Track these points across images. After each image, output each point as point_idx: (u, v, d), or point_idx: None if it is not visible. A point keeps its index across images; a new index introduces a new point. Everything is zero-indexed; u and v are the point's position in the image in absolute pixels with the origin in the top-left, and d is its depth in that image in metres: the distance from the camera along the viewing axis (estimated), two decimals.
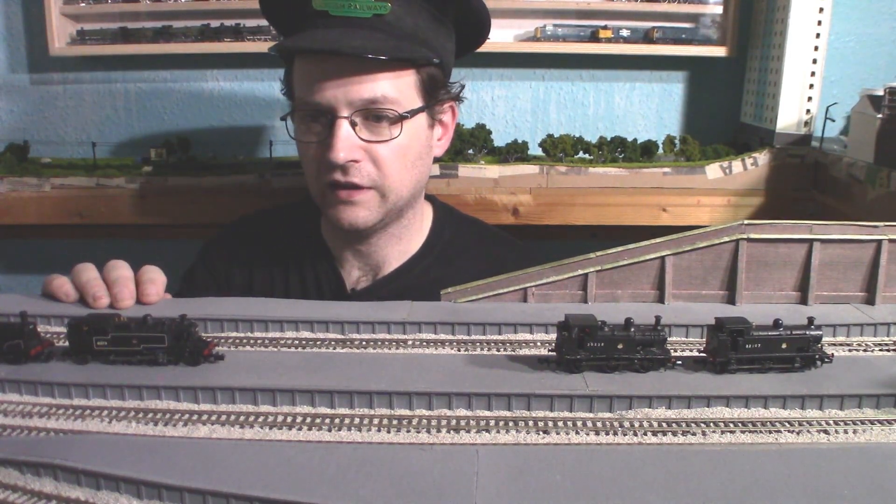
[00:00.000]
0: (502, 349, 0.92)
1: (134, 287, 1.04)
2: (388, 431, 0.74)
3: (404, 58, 1.21)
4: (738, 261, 1.04)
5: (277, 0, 1.32)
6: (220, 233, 1.55)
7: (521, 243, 1.53)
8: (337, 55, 1.18)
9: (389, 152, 1.25)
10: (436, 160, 1.43)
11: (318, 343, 0.94)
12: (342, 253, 1.41)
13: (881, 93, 1.55)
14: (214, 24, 1.89)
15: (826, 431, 0.75)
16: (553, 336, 0.87)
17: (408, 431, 0.74)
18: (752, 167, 1.79)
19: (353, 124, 1.22)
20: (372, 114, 1.22)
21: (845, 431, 0.75)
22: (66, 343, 0.86)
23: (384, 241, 1.37)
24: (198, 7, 1.89)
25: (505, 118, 2.07)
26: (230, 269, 1.45)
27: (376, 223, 1.30)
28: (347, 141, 1.21)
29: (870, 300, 1.05)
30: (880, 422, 0.76)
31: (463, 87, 1.39)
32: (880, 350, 0.93)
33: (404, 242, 1.40)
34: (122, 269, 1.06)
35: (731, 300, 1.06)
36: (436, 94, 1.31)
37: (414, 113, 1.26)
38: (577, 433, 0.74)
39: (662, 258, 1.04)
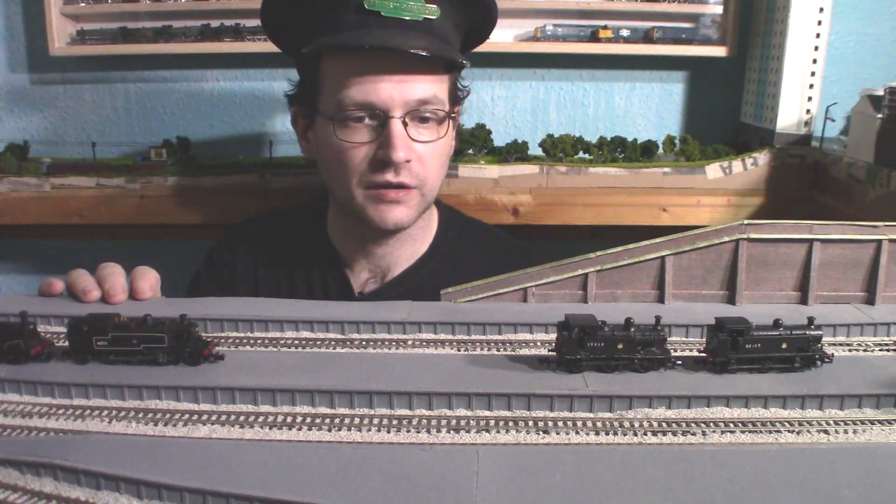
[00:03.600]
0: (502, 349, 0.92)
1: (125, 282, 1.05)
2: (388, 431, 0.74)
3: (452, 59, 1.24)
4: (738, 261, 1.04)
5: (313, 2, 1.24)
6: (224, 238, 1.54)
7: (524, 245, 1.53)
8: (397, 54, 1.18)
9: (434, 152, 1.27)
10: None
11: (318, 343, 0.94)
12: (350, 255, 1.40)
13: (881, 93, 1.55)
14: (214, 24, 1.89)
15: (826, 431, 0.75)
16: (553, 336, 0.87)
17: (408, 431, 0.74)
18: (752, 167, 1.79)
19: (405, 124, 1.22)
20: (419, 115, 1.24)
21: (845, 431, 0.75)
22: (66, 343, 0.86)
23: (401, 242, 1.38)
24: (198, 7, 1.89)
25: (505, 118, 2.07)
26: (234, 273, 1.45)
27: (413, 222, 1.32)
28: (404, 140, 1.22)
29: (870, 300, 1.05)
30: (880, 422, 0.76)
31: (469, 91, 1.42)
32: (880, 350, 0.93)
33: (413, 244, 1.40)
34: (111, 268, 1.07)
35: (731, 300, 1.06)
36: (458, 97, 1.36)
37: (452, 114, 1.31)
38: (577, 433, 0.74)
39: (662, 258, 1.04)
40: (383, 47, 1.17)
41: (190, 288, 1.48)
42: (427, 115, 1.25)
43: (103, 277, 1.05)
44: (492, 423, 0.75)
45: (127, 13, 1.91)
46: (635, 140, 1.84)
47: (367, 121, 1.23)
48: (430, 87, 1.23)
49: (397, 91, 1.20)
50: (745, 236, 1.03)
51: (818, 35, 1.73)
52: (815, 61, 1.74)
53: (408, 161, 1.23)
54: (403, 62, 1.19)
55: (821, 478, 0.65)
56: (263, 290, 1.41)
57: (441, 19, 1.23)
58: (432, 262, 1.41)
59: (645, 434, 0.74)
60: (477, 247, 1.47)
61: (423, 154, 1.25)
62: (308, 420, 0.76)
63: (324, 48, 1.22)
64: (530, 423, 0.75)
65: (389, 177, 1.23)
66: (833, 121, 1.78)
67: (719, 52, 1.89)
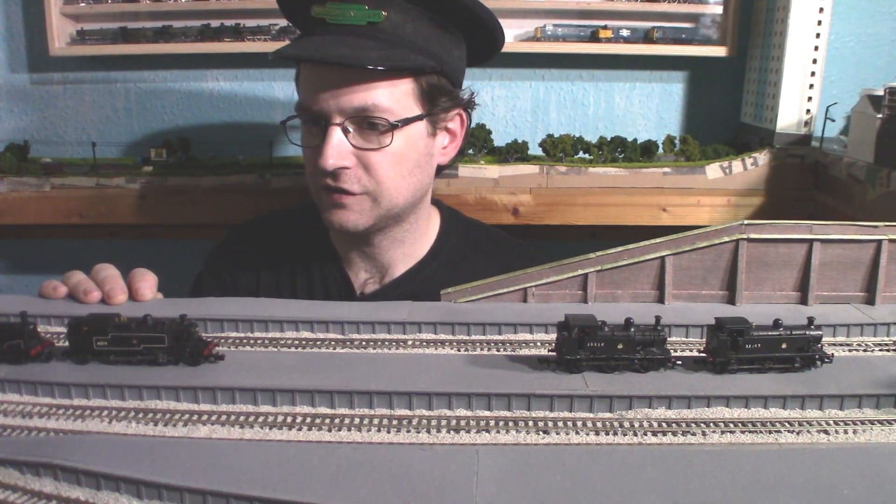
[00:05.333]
0: (502, 349, 0.92)
1: (124, 284, 1.06)
2: (388, 431, 0.74)
3: (394, 67, 1.20)
4: (738, 261, 1.04)
5: (287, 7, 1.34)
6: (225, 239, 1.54)
7: (526, 245, 1.53)
8: (322, 63, 1.20)
9: (383, 159, 1.24)
10: (442, 166, 1.42)
11: (318, 343, 0.94)
12: (349, 255, 1.41)
13: (881, 93, 1.55)
14: (214, 24, 1.89)
15: (826, 431, 0.75)
16: (553, 336, 0.87)
17: (408, 431, 0.74)
18: (752, 167, 1.79)
19: (346, 131, 1.22)
20: (365, 121, 1.22)
21: (845, 431, 0.75)
22: (66, 343, 0.86)
23: (387, 244, 1.37)
24: (198, 7, 1.89)
25: (505, 118, 2.07)
26: (236, 274, 1.45)
27: (369, 226, 1.30)
28: (337, 148, 1.21)
29: (870, 300, 1.05)
30: (880, 422, 0.76)
31: (473, 94, 1.39)
32: (880, 350, 0.93)
33: (408, 246, 1.40)
34: (109, 269, 1.08)
35: (731, 300, 1.06)
36: (438, 102, 1.29)
37: (408, 122, 1.25)
38: (577, 433, 0.74)
39: (662, 258, 1.04)
40: (307, 58, 1.22)
41: (192, 290, 1.48)
42: (372, 121, 1.23)
43: (102, 279, 1.05)
44: (492, 423, 0.75)
45: (127, 13, 1.91)
46: (635, 140, 1.84)
47: (314, 125, 1.26)
48: (373, 95, 1.20)
49: (334, 99, 1.21)
50: (745, 236, 1.03)
51: (818, 35, 1.73)
52: (815, 61, 1.74)
53: (345, 168, 1.23)
54: (343, 71, 1.19)
55: (821, 478, 0.65)
56: (265, 292, 1.41)
57: (392, 23, 1.21)
58: (434, 263, 1.41)
59: (645, 434, 0.74)
60: (479, 248, 1.47)
61: (369, 161, 1.24)
62: (308, 420, 0.76)
63: (272, 56, 1.26)
64: (530, 423, 0.75)
65: (329, 182, 1.25)
66: (833, 121, 1.78)
67: (719, 52, 1.89)
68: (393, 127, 1.23)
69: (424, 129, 1.29)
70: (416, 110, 1.26)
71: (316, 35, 1.23)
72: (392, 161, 1.25)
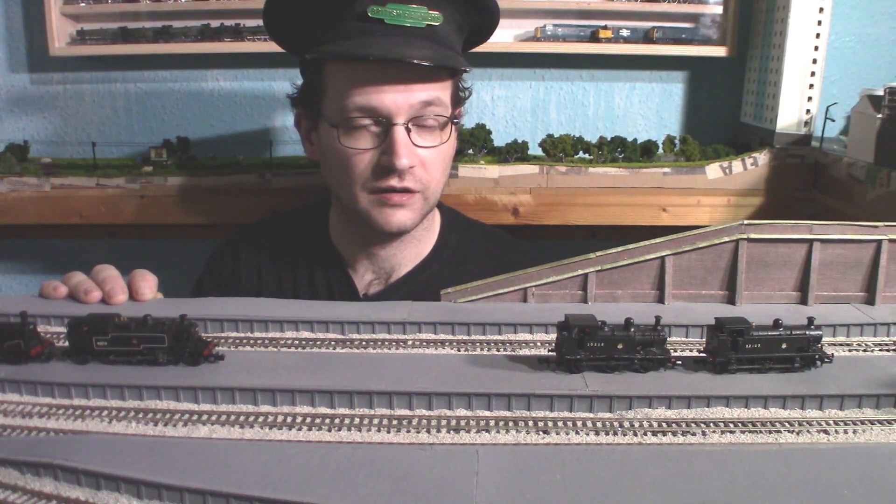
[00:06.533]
0: (502, 349, 0.92)
1: (124, 284, 1.06)
2: (388, 431, 0.74)
3: (452, 67, 1.24)
4: (738, 261, 1.04)
5: (316, 9, 1.24)
6: (226, 242, 1.54)
7: (526, 246, 1.53)
8: (402, 64, 1.18)
9: (436, 157, 1.28)
10: None
11: (318, 343, 0.94)
12: (354, 257, 1.41)
13: (881, 93, 1.55)
14: (214, 24, 1.89)
15: (826, 431, 0.75)
16: (553, 336, 0.87)
17: (408, 431, 0.74)
18: (752, 167, 1.79)
19: (408, 130, 1.23)
20: (422, 121, 1.25)
21: (845, 431, 0.75)
22: (66, 343, 0.86)
23: (404, 244, 1.38)
24: (198, 7, 1.89)
25: (505, 118, 2.07)
26: (238, 277, 1.45)
27: (416, 225, 1.32)
28: (407, 147, 1.23)
29: (870, 300, 1.05)
30: (880, 422, 0.76)
31: (471, 92, 1.42)
32: (880, 350, 0.93)
33: (412, 247, 1.40)
34: (109, 270, 1.09)
35: (731, 300, 1.06)
36: (460, 101, 1.37)
37: (455, 118, 1.31)
38: (577, 433, 0.74)
39: (662, 258, 1.04)
40: (385, 58, 1.18)
41: (193, 293, 1.48)
42: (429, 120, 1.25)
43: (102, 279, 1.06)
44: (492, 423, 0.75)
45: (127, 13, 1.91)
46: (635, 140, 1.84)
47: (370, 127, 1.23)
48: (431, 94, 1.24)
49: (400, 98, 1.21)
50: (745, 236, 1.03)
51: (818, 35, 1.73)
52: (815, 61, 1.74)
53: (411, 167, 1.24)
54: (406, 70, 1.20)
55: (821, 478, 0.65)
56: (267, 294, 1.40)
57: (443, 25, 1.23)
58: (436, 264, 1.41)
59: (645, 434, 0.74)
60: (480, 249, 1.47)
61: (425, 159, 1.26)
62: (308, 420, 0.76)
63: (328, 56, 1.23)
64: (530, 423, 0.75)
65: (394, 182, 1.24)
66: (833, 121, 1.78)
67: (719, 52, 1.89)
68: (451, 123, 1.29)
69: (455, 127, 1.35)
70: (450, 109, 1.31)
71: (374, 36, 1.20)
72: (443, 158, 1.30)
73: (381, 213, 1.28)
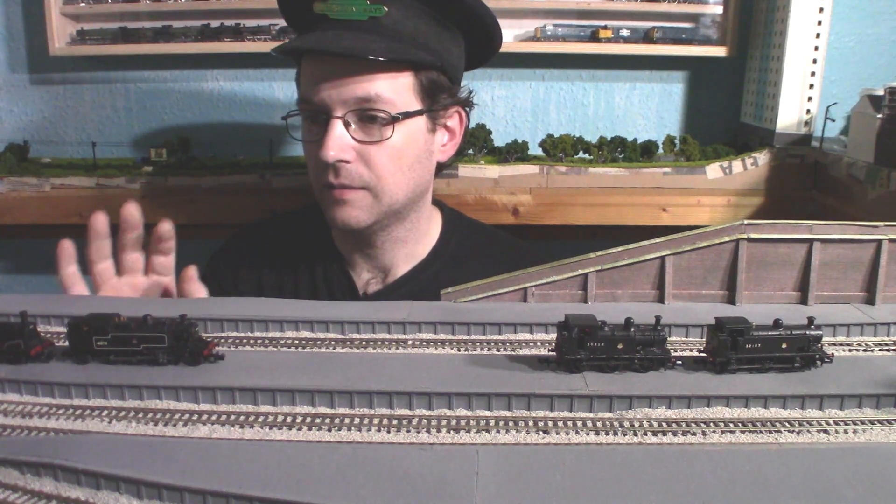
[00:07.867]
0: (502, 349, 0.92)
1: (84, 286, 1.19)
2: (388, 431, 0.74)
3: (396, 58, 1.21)
4: (738, 261, 1.04)
5: (286, 5, 1.35)
6: (227, 242, 1.54)
7: (526, 246, 1.53)
8: (326, 55, 1.20)
9: (383, 153, 1.25)
10: (442, 165, 1.43)
11: (318, 343, 0.93)
12: (352, 256, 1.41)
13: (881, 93, 1.55)
14: (214, 24, 1.89)
15: (826, 431, 0.75)
16: (553, 336, 0.87)
17: (408, 431, 0.74)
18: (752, 167, 1.79)
19: (347, 124, 1.23)
20: (366, 115, 1.23)
21: (845, 431, 0.75)
22: (66, 343, 0.86)
23: (389, 244, 1.37)
24: (198, 7, 1.89)
25: (505, 118, 2.07)
26: (238, 277, 1.45)
27: (372, 224, 1.30)
28: (339, 140, 1.22)
29: (870, 300, 1.05)
30: (880, 422, 0.76)
31: (471, 92, 1.40)
32: (880, 350, 0.93)
33: (410, 246, 1.40)
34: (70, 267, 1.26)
35: (731, 300, 1.06)
36: (438, 98, 1.30)
37: (408, 115, 1.25)
38: (577, 433, 0.74)
39: (662, 258, 1.04)
40: (309, 50, 1.23)
41: None
42: (373, 114, 1.23)
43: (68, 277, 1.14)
44: (492, 423, 0.75)
45: (127, 13, 1.91)
46: (635, 140, 1.84)
47: (318, 120, 1.26)
48: (374, 87, 1.21)
49: (336, 91, 1.21)
50: (745, 236, 1.03)
51: (818, 35, 1.73)
52: (815, 61, 1.74)
53: (345, 161, 1.23)
54: (345, 63, 1.20)
55: (821, 478, 0.65)
56: (268, 294, 1.41)
57: (393, 18, 1.22)
58: (436, 264, 1.41)
59: (645, 434, 0.74)
60: (480, 249, 1.47)
61: (367, 155, 1.24)
62: (308, 420, 0.76)
63: (275, 51, 1.29)
64: (530, 423, 0.75)
65: (330, 177, 1.25)
66: (833, 121, 1.78)
67: (719, 52, 1.89)
68: (394, 120, 1.23)
69: (424, 125, 1.30)
70: (416, 105, 1.27)
71: (318, 30, 1.24)
72: (392, 155, 1.26)
73: (329, 208, 1.29)
